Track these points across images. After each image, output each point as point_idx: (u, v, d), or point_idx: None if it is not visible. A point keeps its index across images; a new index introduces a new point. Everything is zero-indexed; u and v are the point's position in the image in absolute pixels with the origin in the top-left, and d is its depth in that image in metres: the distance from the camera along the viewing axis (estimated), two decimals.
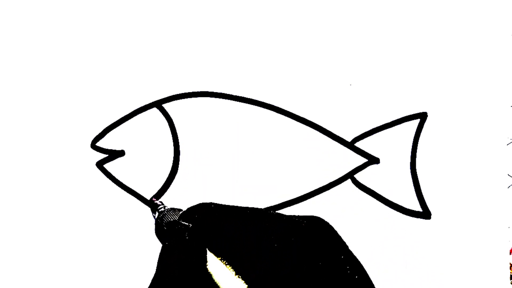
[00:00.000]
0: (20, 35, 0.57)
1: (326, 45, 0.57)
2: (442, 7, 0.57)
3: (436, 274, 0.49)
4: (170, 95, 0.55)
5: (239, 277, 0.33)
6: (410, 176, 0.53)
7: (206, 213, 0.37)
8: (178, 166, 0.53)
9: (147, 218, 0.51)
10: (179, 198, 0.52)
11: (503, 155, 0.53)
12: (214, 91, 0.55)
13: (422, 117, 0.54)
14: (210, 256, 0.35)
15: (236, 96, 0.55)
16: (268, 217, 0.37)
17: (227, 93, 0.55)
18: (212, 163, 0.53)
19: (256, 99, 0.55)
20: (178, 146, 0.54)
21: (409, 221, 0.51)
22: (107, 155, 0.53)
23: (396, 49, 0.56)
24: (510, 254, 0.51)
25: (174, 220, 0.38)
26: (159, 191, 0.52)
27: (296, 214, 0.37)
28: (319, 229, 0.35)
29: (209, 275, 0.34)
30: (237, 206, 0.38)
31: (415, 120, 0.54)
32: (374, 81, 0.55)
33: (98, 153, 0.53)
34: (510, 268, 0.50)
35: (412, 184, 0.52)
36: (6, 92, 0.55)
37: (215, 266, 0.34)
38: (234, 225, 0.36)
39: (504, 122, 0.54)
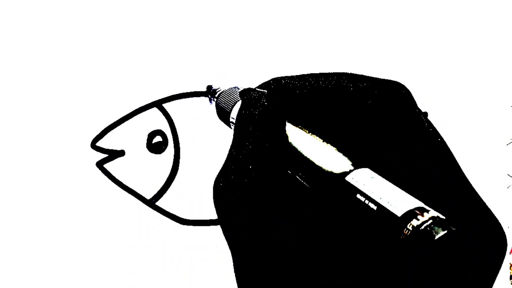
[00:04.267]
0: (20, 35, 0.57)
1: (326, 45, 0.57)
2: (442, 7, 0.57)
3: None
4: (170, 95, 0.55)
5: (318, 139, 0.32)
6: None
7: (279, 82, 0.35)
8: (178, 166, 0.53)
9: (147, 218, 0.51)
10: (179, 198, 0.52)
11: (503, 155, 0.53)
12: None
13: None
14: (288, 124, 0.34)
15: None
16: (346, 78, 0.36)
17: None
18: (212, 163, 0.53)
19: None
20: (178, 146, 0.54)
21: None
22: (107, 155, 0.53)
23: (396, 49, 0.56)
24: (510, 254, 0.50)
25: (248, 88, 0.36)
26: (159, 191, 0.52)
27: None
28: (398, 94, 0.34)
29: (288, 139, 0.32)
30: (311, 74, 0.36)
31: None
32: None
33: (98, 153, 0.53)
34: (510, 268, 0.50)
35: None
36: (6, 92, 0.55)
37: (294, 130, 0.33)
38: (310, 91, 0.35)
39: (504, 122, 0.54)
